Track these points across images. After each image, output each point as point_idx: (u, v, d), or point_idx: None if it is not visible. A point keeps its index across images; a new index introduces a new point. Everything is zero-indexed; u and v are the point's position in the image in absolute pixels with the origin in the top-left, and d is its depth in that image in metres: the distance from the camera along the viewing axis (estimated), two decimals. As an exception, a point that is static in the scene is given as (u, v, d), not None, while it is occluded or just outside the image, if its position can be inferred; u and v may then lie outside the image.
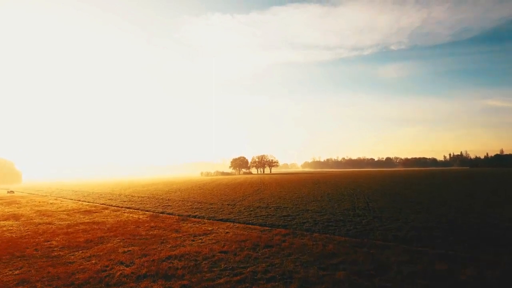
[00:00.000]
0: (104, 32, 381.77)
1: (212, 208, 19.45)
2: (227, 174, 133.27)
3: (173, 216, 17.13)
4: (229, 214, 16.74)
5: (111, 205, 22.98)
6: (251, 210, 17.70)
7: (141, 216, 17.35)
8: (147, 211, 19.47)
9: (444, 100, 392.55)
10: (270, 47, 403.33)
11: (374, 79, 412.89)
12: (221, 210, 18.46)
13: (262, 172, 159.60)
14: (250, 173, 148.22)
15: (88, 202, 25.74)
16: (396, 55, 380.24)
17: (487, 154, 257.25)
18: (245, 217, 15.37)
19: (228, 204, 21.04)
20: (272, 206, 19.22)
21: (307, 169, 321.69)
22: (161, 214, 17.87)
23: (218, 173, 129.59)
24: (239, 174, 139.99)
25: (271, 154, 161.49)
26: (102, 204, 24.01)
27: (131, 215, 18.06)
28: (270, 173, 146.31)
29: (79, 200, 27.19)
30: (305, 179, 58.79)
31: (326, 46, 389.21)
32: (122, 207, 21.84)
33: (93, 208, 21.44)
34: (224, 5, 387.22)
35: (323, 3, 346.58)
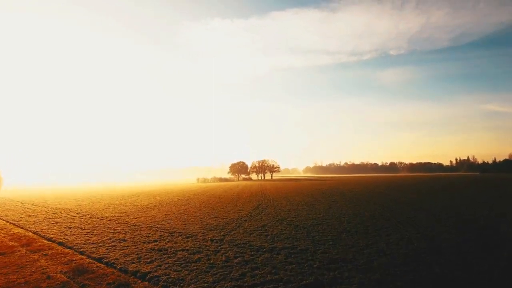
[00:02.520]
0: (104, 35, 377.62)
1: (184, 250, 12.13)
2: (225, 180, 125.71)
3: (112, 271, 9.88)
4: (207, 270, 9.44)
5: (44, 236, 15.69)
6: (248, 260, 10.40)
7: (58, 270, 10.10)
8: (82, 253, 12.18)
9: (443, 104, 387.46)
10: (270, 52, 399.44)
11: (374, 84, 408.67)
12: (198, 255, 11.16)
13: (262, 178, 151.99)
14: (250, 179, 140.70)
15: (22, 227, 18.44)
16: (396, 60, 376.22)
17: (495, 159, 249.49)
18: (235, 283, 8.08)
19: (213, 239, 13.74)
20: (282, 249, 11.91)
21: (309, 174, 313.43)
22: (96, 265, 10.60)
23: (215, 179, 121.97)
24: (238, 180, 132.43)
25: (272, 159, 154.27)
26: (35, 233, 16.70)
27: (46, 264, 10.81)
28: (271, 179, 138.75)
29: (14, 223, 19.89)
30: (313, 188, 51.43)
31: (326, 50, 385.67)
32: (55, 240, 14.55)
33: (10, 243, 14.21)
34: (224, 10, 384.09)
35: (322, 8, 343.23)
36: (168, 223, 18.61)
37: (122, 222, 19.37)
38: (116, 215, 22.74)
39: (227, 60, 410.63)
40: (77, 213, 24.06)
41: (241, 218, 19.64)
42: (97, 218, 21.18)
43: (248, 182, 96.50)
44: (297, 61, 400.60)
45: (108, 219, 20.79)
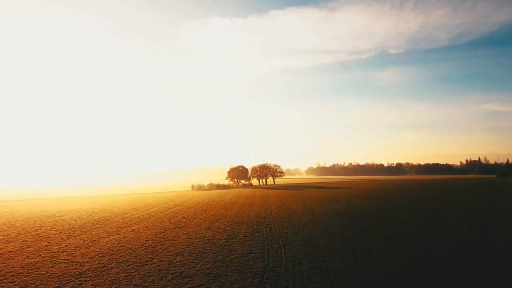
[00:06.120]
0: (106, 38, 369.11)
1: None
2: (223, 187, 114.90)
3: None
4: None
5: None
6: None
7: None
8: None
9: (442, 104, 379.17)
10: (269, 53, 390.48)
11: (374, 84, 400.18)
12: None
13: (264, 183, 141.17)
14: (251, 184, 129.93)
15: None
16: (395, 59, 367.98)
17: (507, 160, 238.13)
18: None
19: None
20: None
21: (312, 176, 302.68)
22: None
23: (212, 185, 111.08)
24: (237, 187, 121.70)
25: (274, 163, 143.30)
26: None
27: None
28: (274, 185, 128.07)
29: None
30: (332, 209, 40.78)
31: (325, 50, 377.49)
32: None
33: None
34: (223, 9, 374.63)
35: (321, 8, 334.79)
36: None
37: None
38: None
39: (226, 62, 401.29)
40: None
41: None
42: None
43: (249, 193, 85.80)
44: (297, 61, 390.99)
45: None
